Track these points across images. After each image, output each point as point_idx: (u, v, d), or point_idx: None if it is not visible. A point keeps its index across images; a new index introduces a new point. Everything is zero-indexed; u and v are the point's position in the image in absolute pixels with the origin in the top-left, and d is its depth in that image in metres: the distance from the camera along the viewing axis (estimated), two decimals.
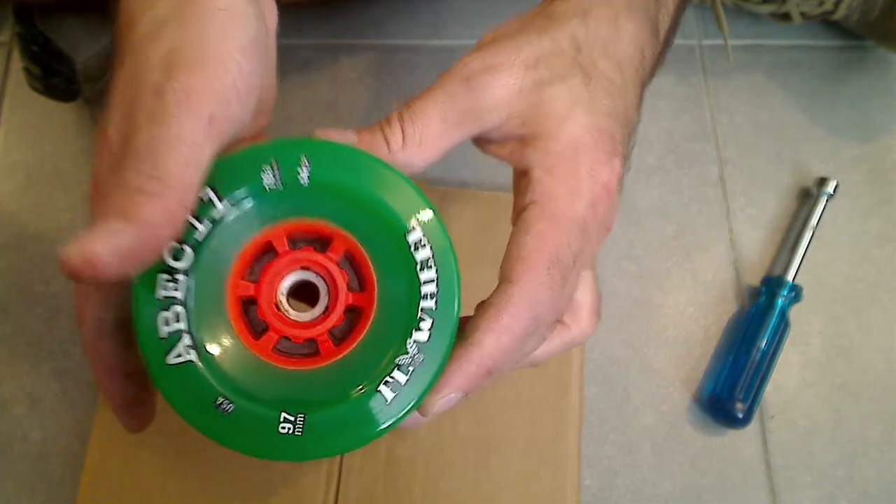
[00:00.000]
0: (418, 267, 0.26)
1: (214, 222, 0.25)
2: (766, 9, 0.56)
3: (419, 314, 0.26)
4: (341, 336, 0.27)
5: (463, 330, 0.27)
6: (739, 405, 0.47)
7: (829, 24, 0.59)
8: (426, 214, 0.26)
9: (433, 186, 0.50)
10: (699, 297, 0.52)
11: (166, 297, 0.25)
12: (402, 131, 0.28)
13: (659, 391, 0.50)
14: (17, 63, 0.54)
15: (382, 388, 0.26)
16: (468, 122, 0.28)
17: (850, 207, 0.55)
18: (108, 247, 0.22)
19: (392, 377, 0.26)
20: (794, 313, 0.51)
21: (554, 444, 0.43)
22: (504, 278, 0.27)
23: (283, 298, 0.27)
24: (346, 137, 0.27)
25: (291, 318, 0.27)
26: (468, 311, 0.27)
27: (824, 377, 0.51)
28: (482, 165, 0.54)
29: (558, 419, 0.43)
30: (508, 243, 0.28)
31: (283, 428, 0.25)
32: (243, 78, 0.25)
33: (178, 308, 0.25)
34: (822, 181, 0.53)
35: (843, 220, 0.54)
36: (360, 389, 0.26)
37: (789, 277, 0.51)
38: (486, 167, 0.54)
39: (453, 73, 0.28)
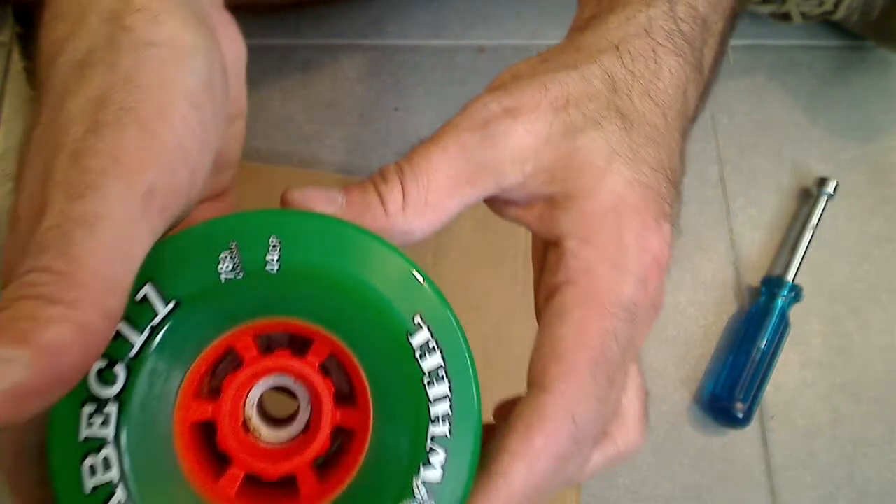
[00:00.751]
0: (426, 380, 0.20)
1: (155, 329, 0.19)
2: (766, 9, 0.56)
3: (428, 444, 0.20)
4: (327, 460, 0.21)
5: (483, 448, 0.21)
6: (739, 405, 0.47)
7: (829, 24, 0.59)
8: (435, 308, 0.20)
9: None
10: (699, 296, 0.52)
11: (92, 437, 0.19)
12: (403, 189, 0.22)
13: (659, 391, 0.50)
14: (17, 63, 0.54)
15: None
16: (484, 178, 0.23)
17: (850, 207, 0.55)
18: None
19: None
20: (794, 313, 0.51)
21: None
22: (535, 383, 0.22)
23: (252, 413, 0.21)
24: (330, 200, 0.22)
25: (264, 439, 0.21)
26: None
27: (824, 377, 0.51)
28: None
29: None
30: (539, 336, 0.22)
31: None
32: (193, 134, 0.19)
33: (109, 451, 0.19)
34: (823, 181, 0.53)
35: (844, 220, 0.54)
36: None
37: (789, 277, 0.51)
38: None
39: (465, 118, 0.23)
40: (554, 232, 0.23)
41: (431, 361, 0.20)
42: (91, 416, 0.19)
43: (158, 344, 0.19)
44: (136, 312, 0.19)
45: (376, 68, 0.58)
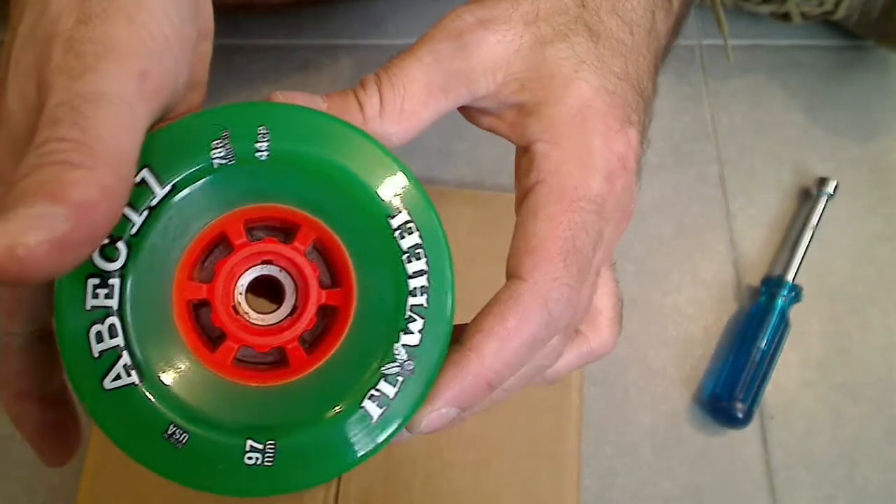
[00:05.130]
0: (405, 257, 0.22)
1: (153, 211, 0.21)
2: (766, 9, 0.56)
3: (407, 313, 0.22)
4: (313, 341, 0.23)
5: (460, 334, 0.23)
6: (739, 405, 0.47)
7: (829, 24, 0.58)
8: (412, 194, 0.22)
9: (431, 185, 0.50)
10: (699, 296, 0.52)
11: (98, 307, 0.21)
12: (381, 96, 0.24)
13: (659, 391, 0.50)
14: None
15: (367, 403, 0.22)
16: (458, 87, 0.24)
17: (850, 207, 0.55)
18: (39, 235, 0.17)
19: (378, 390, 0.22)
20: (794, 313, 0.51)
21: (554, 443, 0.43)
22: (511, 274, 0.23)
23: (241, 299, 0.23)
24: (312, 102, 0.23)
25: (253, 321, 0.23)
26: (463, 317, 0.24)
27: (824, 377, 0.51)
28: (482, 164, 0.54)
29: (558, 419, 0.43)
30: (514, 233, 0.24)
31: (250, 458, 0.21)
32: (174, 28, 0.21)
33: (114, 319, 0.21)
34: (823, 181, 0.53)
35: (844, 220, 0.54)
36: (341, 406, 0.22)
37: (789, 277, 0.51)
38: (487, 166, 0.54)
39: (440, 30, 0.25)
40: (525, 138, 0.25)
41: (410, 240, 0.22)
42: (96, 287, 0.21)
43: (156, 224, 0.21)
44: (135, 194, 0.21)
45: (376, 68, 0.58)
